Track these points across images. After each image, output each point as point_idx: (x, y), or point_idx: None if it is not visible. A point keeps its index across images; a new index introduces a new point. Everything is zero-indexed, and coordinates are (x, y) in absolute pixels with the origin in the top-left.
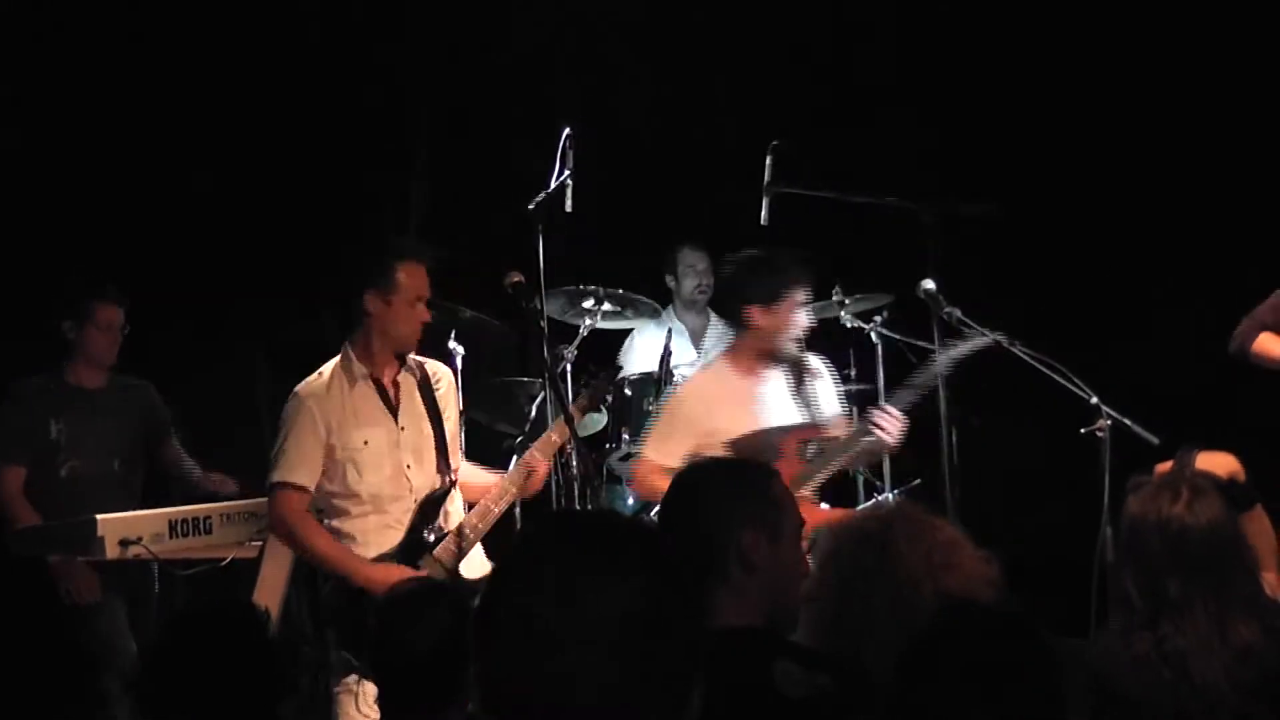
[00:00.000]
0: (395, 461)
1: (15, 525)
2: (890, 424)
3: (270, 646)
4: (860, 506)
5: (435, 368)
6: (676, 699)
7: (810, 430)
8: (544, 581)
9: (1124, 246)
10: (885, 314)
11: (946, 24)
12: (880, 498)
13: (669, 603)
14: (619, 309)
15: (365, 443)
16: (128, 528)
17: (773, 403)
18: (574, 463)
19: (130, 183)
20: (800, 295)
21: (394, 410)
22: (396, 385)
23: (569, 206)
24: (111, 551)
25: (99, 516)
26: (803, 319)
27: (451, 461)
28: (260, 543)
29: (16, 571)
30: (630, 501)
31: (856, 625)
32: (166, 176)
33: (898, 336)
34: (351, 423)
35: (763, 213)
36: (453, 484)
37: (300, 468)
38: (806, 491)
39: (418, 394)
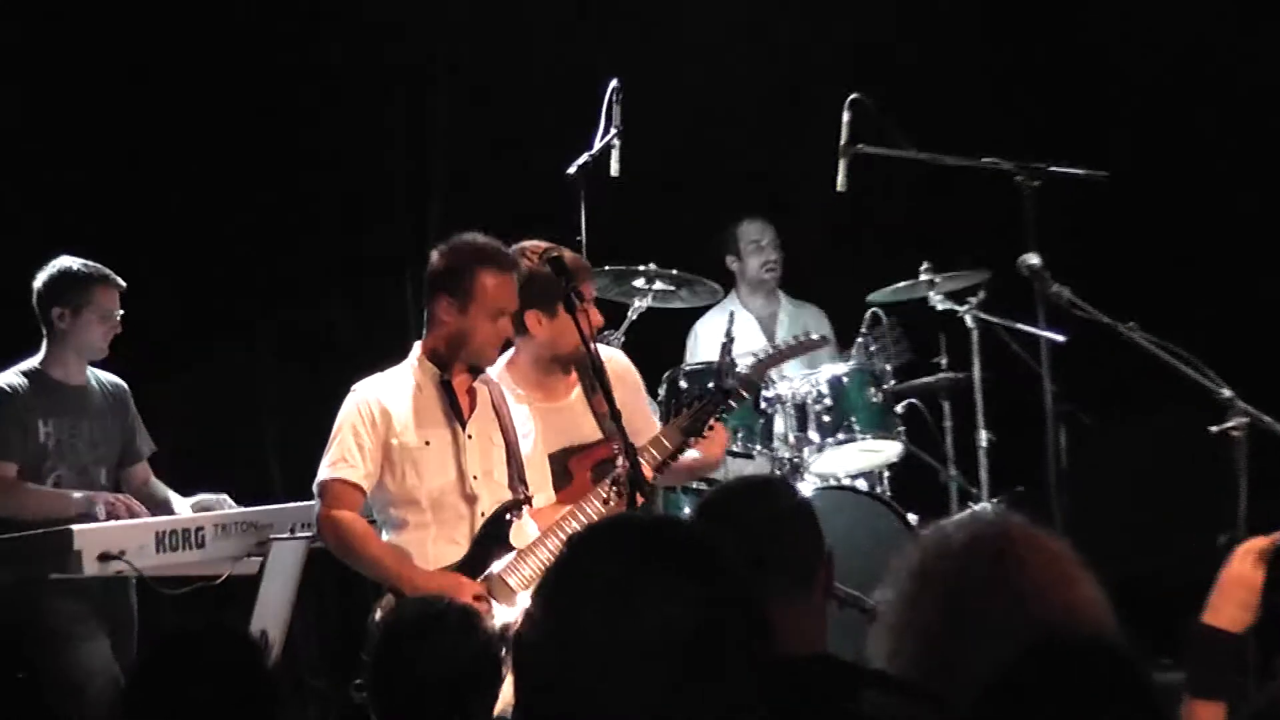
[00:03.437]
0: (459, 468)
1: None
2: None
3: (267, 679)
4: (954, 517)
5: (611, 356)
6: None
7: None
8: (593, 593)
9: (1254, 219)
10: (981, 294)
11: None
12: (978, 507)
13: (731, 622)
14: (673, 288)
15: (427, 443)
16: (108, 540)
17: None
18: (621, 465)
19: (128, 161)
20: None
21: (462, 417)
22: (472, 394)
23: (615, 170)
24: (90, 567)
25: (75, 528)
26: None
27: (527, 478)
28: (261, 558)
29: None
30: (687, 510)
31: (963, 647)
32: (166, 153)
33: (996, 320)
34: (415, 421)
35: (839, 177)
36: (525, 501)
37: (352, 463)
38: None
39: (492, 409)
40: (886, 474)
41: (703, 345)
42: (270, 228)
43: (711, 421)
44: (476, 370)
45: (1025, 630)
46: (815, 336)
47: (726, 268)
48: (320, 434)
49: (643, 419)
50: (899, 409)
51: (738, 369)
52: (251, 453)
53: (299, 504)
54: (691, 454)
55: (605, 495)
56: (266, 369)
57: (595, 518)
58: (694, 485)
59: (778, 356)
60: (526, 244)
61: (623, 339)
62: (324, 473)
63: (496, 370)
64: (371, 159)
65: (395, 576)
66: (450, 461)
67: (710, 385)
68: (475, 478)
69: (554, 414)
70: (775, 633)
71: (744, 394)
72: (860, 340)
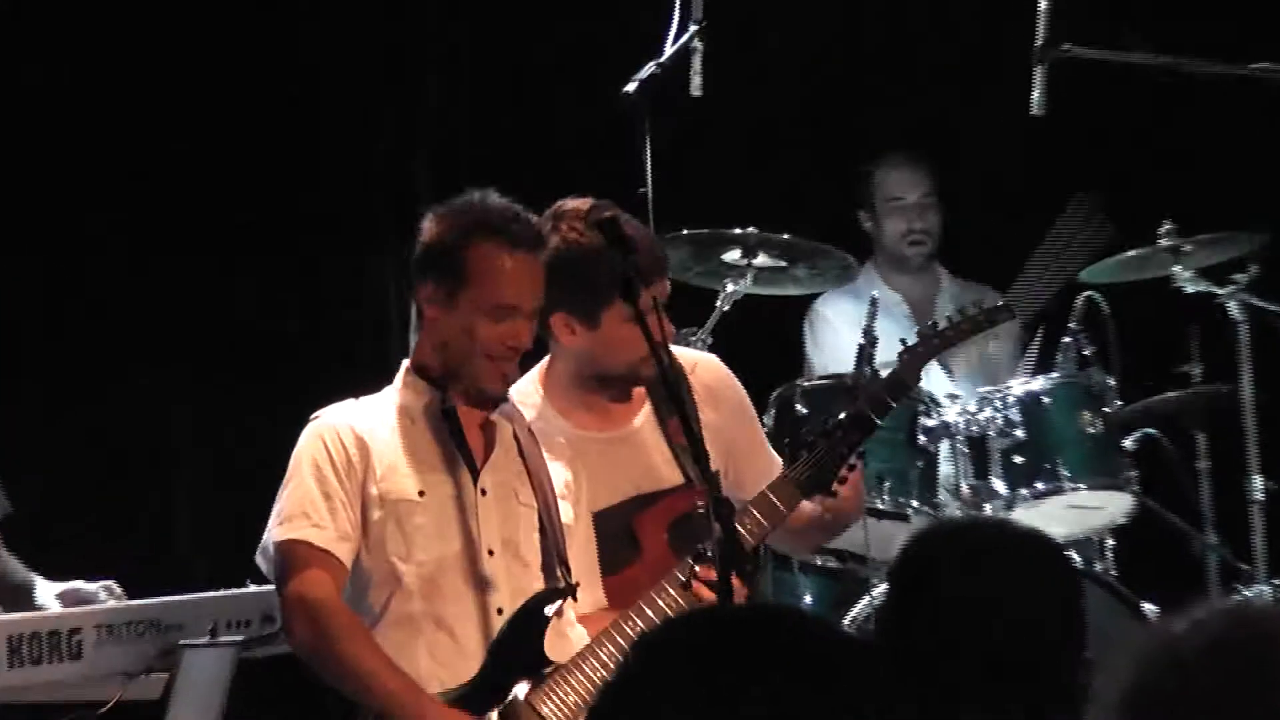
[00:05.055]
0: (468, 535)
1: None
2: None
3: None
4: (1208, 606)
5: (697, 361)
6: None
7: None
8: None
9: None
10: (1253, 270)
11: None
12: (1250, 592)
13: None
14: (784, 264)
15: (420, 494)
16: None
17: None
18: (715, 533)
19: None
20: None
21: (473, 463)
22: (488, 430)
23: (697, 89)
24: None
25: None
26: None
27: (570, 561)
28: (166, 674)
29: None
30: (809, 599)
31: None
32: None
33: (1271, 307)
34: (405, 464)
35: (1034, 96)
36: (568, 592)
37: (317, 520)
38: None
39: (518, 454)
40: (1110, 541)
41: (826, 344)
42: (179, 180)
43: (848, 466)
44: (484, 398)
45: None
46: (1000, 305)
47: (862, 228)
48: (259, 484)
49: (756, 457)
50: (1128, 443)
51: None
52: (153, 513)
53: (224, 593)
54: (809, 505)
55: (687, 575)
56: (176, 387)
57: (671, 610)
58: (819, 560)
59: (939, 341)
60: (565, 205)
61: (709, 340)
62: (275, 532)
63: (528, 385)
64: (334, 72)
65: (393, 703)
66: (454, 525)
67: (845, 415)
68: (491, 552)
69: (611, 448)
70: None
71: (888, 403)
72: (1068, 341)
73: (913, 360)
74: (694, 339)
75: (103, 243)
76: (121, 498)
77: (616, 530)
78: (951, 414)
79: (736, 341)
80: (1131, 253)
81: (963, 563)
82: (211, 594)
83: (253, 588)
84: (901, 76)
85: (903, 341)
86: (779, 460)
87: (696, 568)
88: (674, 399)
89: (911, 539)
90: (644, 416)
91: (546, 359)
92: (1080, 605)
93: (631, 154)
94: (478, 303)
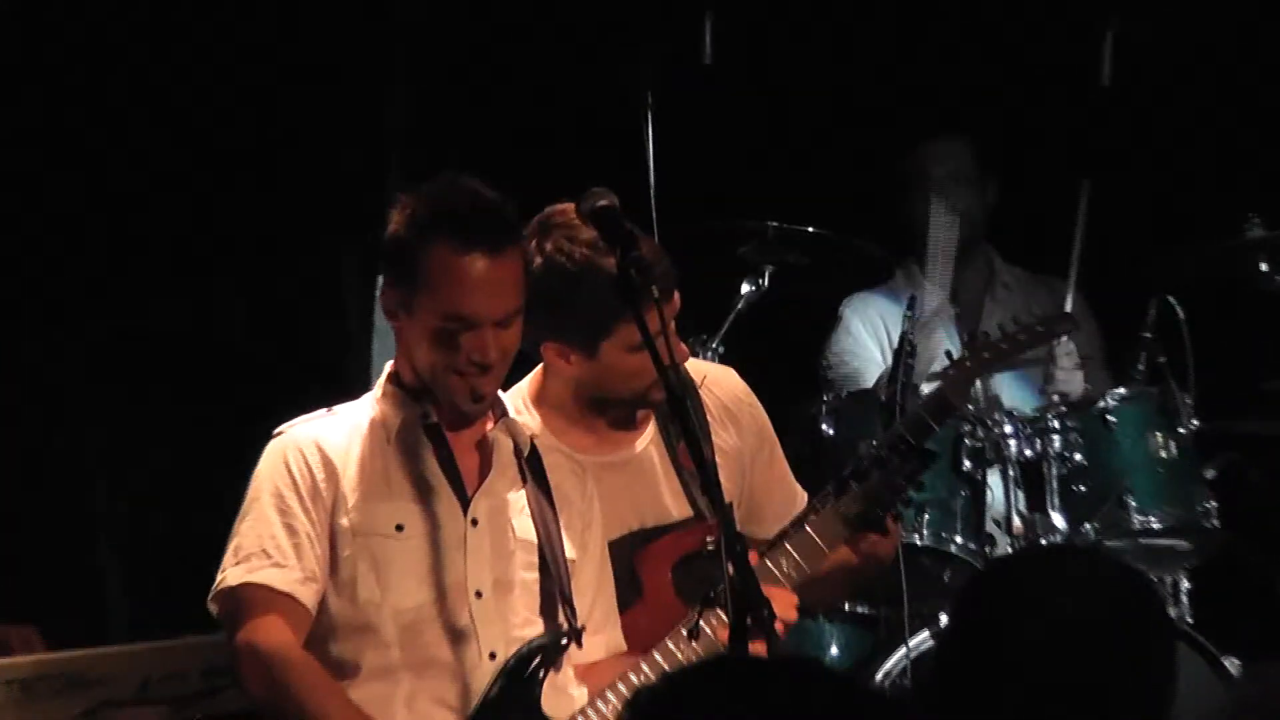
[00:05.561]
0: (454, 575)
1: None
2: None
3: None
4: None
5: (708, 375)
6: None
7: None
8: None
9: None
10: None
11: None
12: None
13: None
14: (807, 259)
15: (399, 528)
16: None
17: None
18: (728, 574)
19: None
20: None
21: (463, 490)
22: (484, 450)
23: (709, 56)
24: None
25: None
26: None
27: (575, 600)
28: None
29: None
30: (835, 652)
31: None
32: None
33: None
34: (380, 491)
35: (1104, 65)
36: (571, 638)
37: (280, 559)
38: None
39: (517, 471)
40: (1185, 584)
41: (840, 353)
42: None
43: (903, 500)
44: (459, 415)
45: None
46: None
47: (900, 221)
48: (205, 515)
49: (776, 487)
50: (1209, 472)
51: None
52: (76, 550)
53: (158, 644)
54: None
55: (693, 625)
56: (104, 406)
57: (676, 663)
58: (846, 605)
59: (991, 356)
60: (555, 213)
61: (721, 349)
62: (231, 574)
63: (515, 400)
64: (297, 73)
65: None
66: (438, 563)
67: (901, 439)
68: (479, 594)
69: (610, 474)
70: None
71: (930, 426)
72: (1140, 350)
73: (959, 377)
74: (703, 348)
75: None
76: (41, 531)
77: (615, 569)
78: (1001, 434)
79: (753, 351)
80: (1212, 249)
81: (1056, 599)
82: (143, 645)
83: (191, 638)
84: (947, 46)
85: (949, 354)
86: (802, 493)
87: (707, 618)
88: (683, 423)
89: (986, 570)
90: (649, 439)
91: (537, 370)
92: (1175, 660)
93: (634, 135)
94: (435, 311)
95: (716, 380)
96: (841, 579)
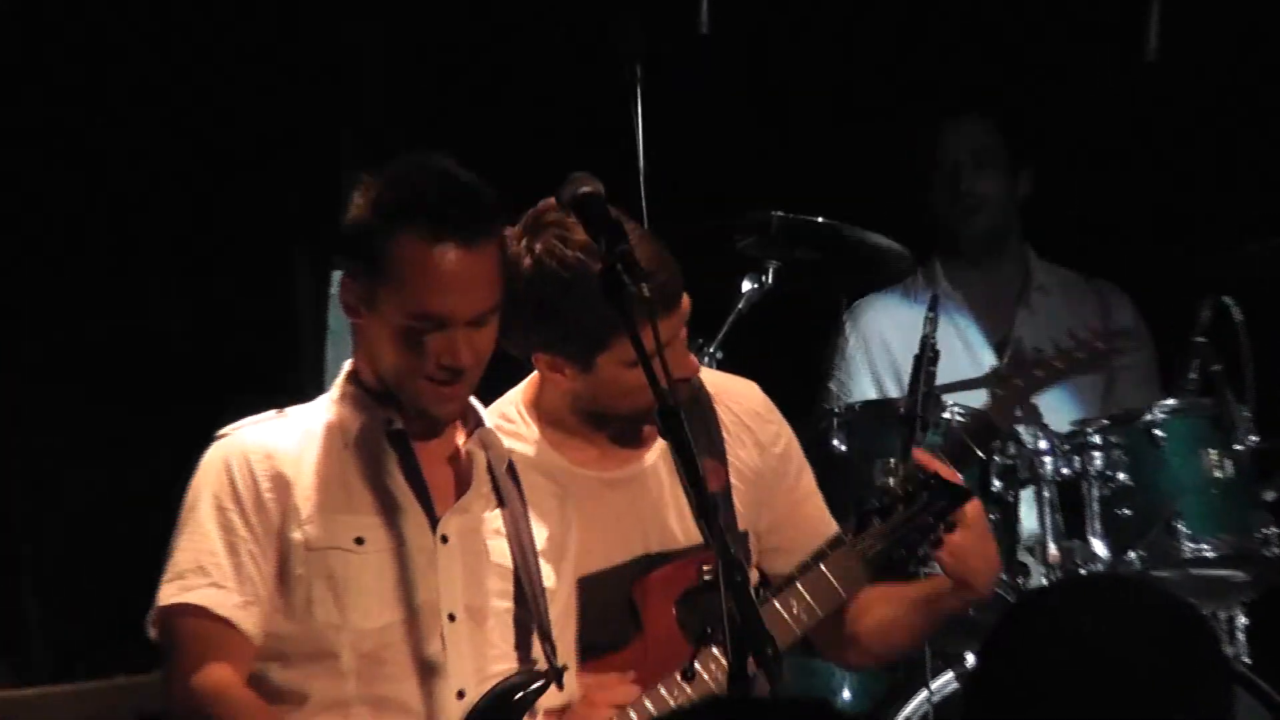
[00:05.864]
0: (422, 596)
1: None
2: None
3: None
4: None
5: (726, 388)
6: None
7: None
8: None
9: None
10: None
11: None
12: None
13: None
14: (816, 254)
15: (358, 541)
16: None
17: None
18: (726, 608)
19: None
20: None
21: (430, 504)
22: (461, 460)
23: (705, 25)
24: None
25: None
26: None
27: (555, 638)
28: None
29: None
30: (848, 695)
31: None
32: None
33: None
34: (337, 502)
35: (1150, 35)
36: (551, 677)
37: (219, 579)
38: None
39: (492, 488)
40: (1241, 619)
41: (844, 362)
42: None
43: (931, 542)
44: (430, 421)
45: None
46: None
47: (920, 215)
48: (136, 535)
49: (803, 514)
50: (1269, 494)
51: (953, 415)
52: None
53: (84, 685)
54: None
55: (687, 666)
56: (18, 414)
57: (668, 710)
58: None
59: (1044, 375)
60: (545, 211)
61: (720, 355)
62: (165, 591)
63: (509, 408)
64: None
65: None
66: (404, 582)
67: (925, 472)
68: (452, 617)
69: (613, 492)
70: None
71: (974, 452)
72: (1192, 357)
73: (1006, 397)
74: (700, 354)
75: None
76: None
77: (613, 599)
78: (1035, 450)
79: (754, 357)
80: (1273, 244)
81: (1098, 637)
82: (66, 686)
83: (122, 679)
84: (970, 20)
85: (994, 371)
86: (834, 524)
87: (704, 659)
88: (684, 464)
89: (1018, 604)
90: (658, 453)
91: (534, 375)
92: (1231, 704)
93: (623, 119)
94: (400, 309)
95: (735, 394)
96: (900, 630)
